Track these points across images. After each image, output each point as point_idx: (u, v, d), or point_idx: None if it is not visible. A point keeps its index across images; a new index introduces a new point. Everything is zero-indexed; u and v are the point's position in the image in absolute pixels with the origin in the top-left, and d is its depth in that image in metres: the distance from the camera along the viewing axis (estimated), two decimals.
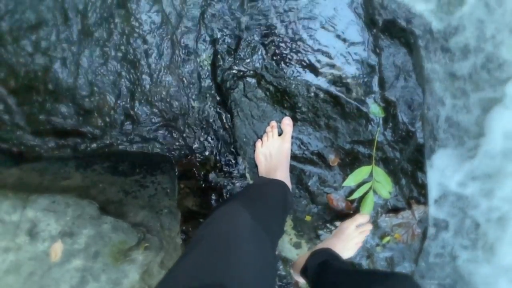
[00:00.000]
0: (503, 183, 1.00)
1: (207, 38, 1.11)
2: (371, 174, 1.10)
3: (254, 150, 1.11)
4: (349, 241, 1.08)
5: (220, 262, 0.57)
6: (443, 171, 1.05)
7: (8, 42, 1.07)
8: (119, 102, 1.14)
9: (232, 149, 1.19)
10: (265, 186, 0.98)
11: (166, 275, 0.58)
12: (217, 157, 1.20)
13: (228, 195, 1.21)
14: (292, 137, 1.10)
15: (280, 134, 1.10)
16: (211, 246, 0.61)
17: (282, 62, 1.09)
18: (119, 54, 1.10)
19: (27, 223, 0.92)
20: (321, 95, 1.10)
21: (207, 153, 1.19)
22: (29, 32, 1.06)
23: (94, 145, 1.16)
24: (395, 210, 1.16)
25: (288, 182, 1.06)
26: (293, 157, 1.11)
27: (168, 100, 1.15)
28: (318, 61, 1.09)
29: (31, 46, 1.08)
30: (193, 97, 1.15)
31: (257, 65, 1.10)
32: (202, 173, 1.20)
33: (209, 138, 1.18)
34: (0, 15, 1.04)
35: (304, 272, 1.00)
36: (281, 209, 0.93)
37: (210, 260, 0.58)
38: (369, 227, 1.12)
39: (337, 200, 1.15)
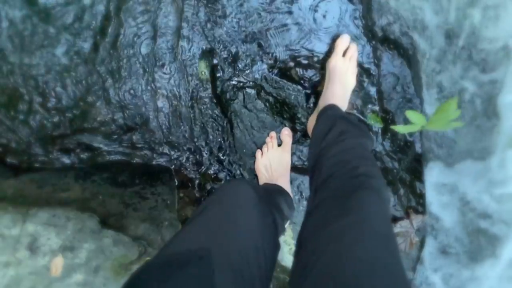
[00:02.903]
0: None
1: (206, 49, 1.11)
2: None
3: (254, 161, 1.11)
4: (343, 75, 1.01)
5: (213, 229, 0.57)
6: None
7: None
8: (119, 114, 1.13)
9: (232, 160, 1.19)
10: (266, 187, 0.99)
11: (163, 246, 0.58)
12: (217, 167, 1.20)
13: None
14: (291, 148, 1.11)
15: (279, 144, 1.11)
16: (211, 216, 0.60)
17: (281, 74, 1.10)
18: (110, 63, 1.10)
19: (27, 237, 0.91)
20: None
21: (206, 163, 1.19)
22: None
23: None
24: (394, 219, 1.17)
25: (289, 191, 1.07)
26: (293, 167, 1.11)
27: (166, 110, 1.15)
28: (317, 73, 1.09)
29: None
30: (193, 108, 1.15)
31: (257, 76, 1.11)
32: (202, 183, 1.21)
33: (209, 149, 1.18)
34: None
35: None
36: (281, 205, 0.92)
37: (205, 228, 0.57)
38: (354, 47, 1.03)
39: None
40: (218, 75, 1.11)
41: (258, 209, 0.64)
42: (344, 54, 1.03)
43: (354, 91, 1.08)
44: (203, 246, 0.52)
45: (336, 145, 0.74)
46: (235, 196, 0.64)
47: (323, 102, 1.00)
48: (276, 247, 0.68)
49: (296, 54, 1.08)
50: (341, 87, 1.01)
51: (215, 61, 1.10)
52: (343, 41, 1.03)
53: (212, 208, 0.62)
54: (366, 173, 0.65)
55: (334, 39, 1.06)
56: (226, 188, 0.68)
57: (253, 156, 1.12)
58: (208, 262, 0.50)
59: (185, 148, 1.18)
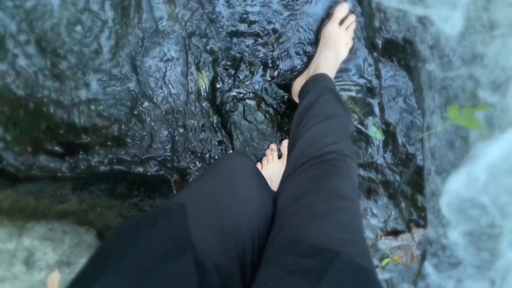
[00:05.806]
0: None
1: (206, 60, 1.10)
2: None
3: None
4: (338, 43, 0.99)
5: (197, 190, 0.57)
6: None
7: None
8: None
9: None
10: None
11: None
12: None
13: None
14: None
15: (280, 157, 1.10)
16: (200, 181, 0.60)
17: (280, 85, 1.09)
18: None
19: (23, 251, 0.90)
20: None
21: None
22: None
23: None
24: (395, 232, 1.16)
25: None
26: None
27: (164, 120, 1.13)
28: None
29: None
30: (192, 119, 1.13)
31: (257, 87, 1.09)
32: None
33: (208, 160, 1.17)
34: None
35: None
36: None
37: (189, 190, 0.58)
38: (353, 17, 1.00)
39: None
40: (218, 86, 1.09)
41: (255, 177, 0.63)
42: (341, 23, 1.00)
43: (357, 101, 1.07)
44: (179, 202, 0.54)
45: (314, 126, 0.75)
46: (232, 164, 0.64)
47: (315, 66, 0.97)
48: (264, 221, 0.67)
49: (296, 68, 1.07)
50: (335, 54, 0.98)
51: (214, 72, 1.09)
52: (342, 10, 0.99)
53: (205, 174, 0.62)
54: (337, 157, 0.67)
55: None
56: (225, 157, 0.67)
57: None
58: (181, 213, 0.51)
59: (183, 159, 1.16)
